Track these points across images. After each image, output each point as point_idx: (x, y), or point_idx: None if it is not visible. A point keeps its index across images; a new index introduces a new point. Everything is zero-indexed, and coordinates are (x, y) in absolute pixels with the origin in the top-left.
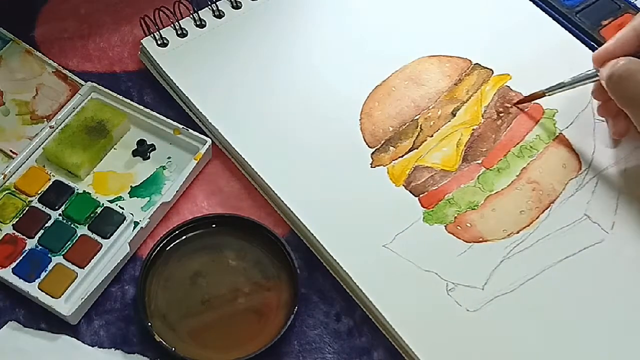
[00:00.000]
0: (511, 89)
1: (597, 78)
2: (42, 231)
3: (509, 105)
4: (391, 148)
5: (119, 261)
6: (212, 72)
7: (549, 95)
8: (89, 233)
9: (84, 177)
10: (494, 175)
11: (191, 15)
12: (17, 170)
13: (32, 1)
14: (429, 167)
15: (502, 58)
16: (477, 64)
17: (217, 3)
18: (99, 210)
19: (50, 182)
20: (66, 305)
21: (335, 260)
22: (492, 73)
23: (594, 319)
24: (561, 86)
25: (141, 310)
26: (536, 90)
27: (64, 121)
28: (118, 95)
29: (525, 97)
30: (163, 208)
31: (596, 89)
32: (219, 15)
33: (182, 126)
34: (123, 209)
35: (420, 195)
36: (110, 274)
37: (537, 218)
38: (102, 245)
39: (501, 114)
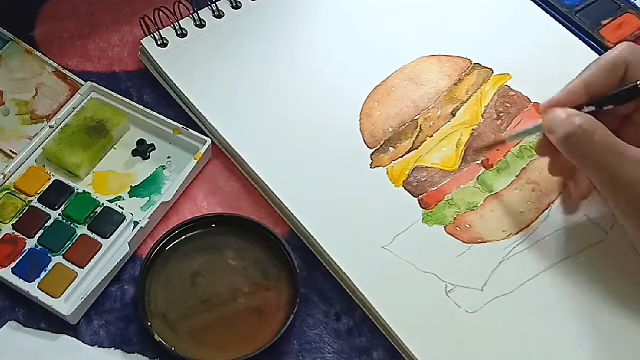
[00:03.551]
0: (511, 89)
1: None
2: (42, 231)
3: (510, 105)
4: (391, 149)
5: (118, 261)
6: (211, 72)
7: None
8: (89, 233)
9: (83, 177)
10: (493, 176)
11: (191, 16)
12: (17, 170)
13: (32, 1)
14: (428, 168)
15: (502, 58)
16: (477, 63)
17: (217, 3)
18: (99, 210)
19: (50, 182)
20: (66, 305)
21: (334, 261)
22: (492, 73)
23: (594, 320)
24: (502, 141)
25: (141, 310)
26: (535, 89)
27: (63, 121)
28: (118, 95)
29: (488, 144)
30: (163, 208)
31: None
32: (219, 15)
33: (182, 126)
34: (123, 208)
35: (420, 196)
36: (110, 274)
37: (536, 219)
38: (102, 245)
39: (501, 114)
